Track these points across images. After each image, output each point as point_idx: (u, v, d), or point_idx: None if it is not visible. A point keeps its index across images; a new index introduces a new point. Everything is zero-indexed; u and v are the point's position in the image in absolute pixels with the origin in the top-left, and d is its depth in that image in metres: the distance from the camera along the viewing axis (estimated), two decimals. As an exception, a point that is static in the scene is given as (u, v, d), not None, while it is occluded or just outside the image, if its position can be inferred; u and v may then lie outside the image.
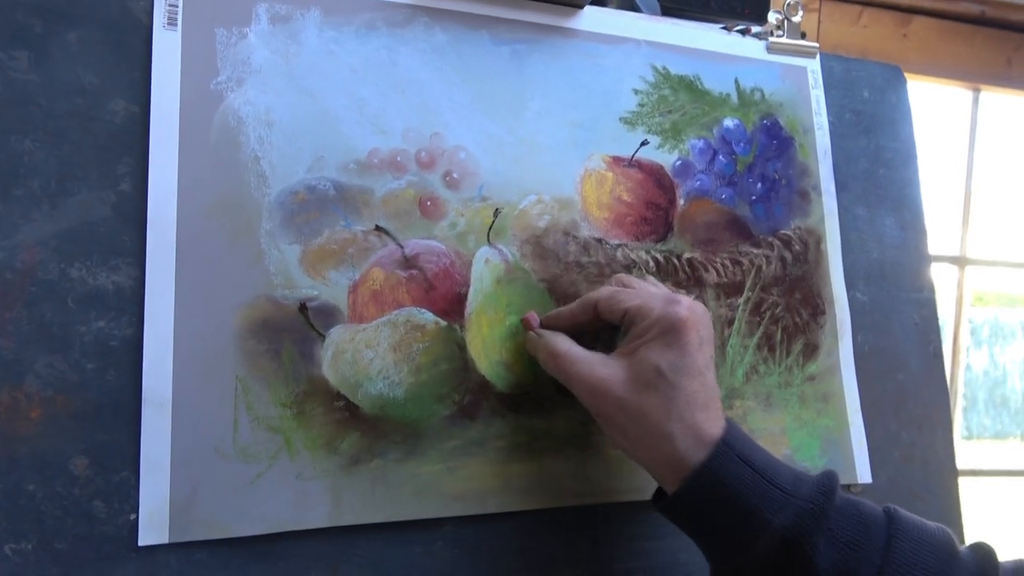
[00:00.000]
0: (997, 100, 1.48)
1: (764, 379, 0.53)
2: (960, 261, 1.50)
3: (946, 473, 0.59)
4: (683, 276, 0.51)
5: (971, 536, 0.47)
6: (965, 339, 1.54)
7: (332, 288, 0.43)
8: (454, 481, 0.44)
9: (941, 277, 1.47)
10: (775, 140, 0.57)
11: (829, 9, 1.29)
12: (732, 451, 0.38)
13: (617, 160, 0.51)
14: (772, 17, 0.58)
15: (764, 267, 0.54)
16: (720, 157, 0.55)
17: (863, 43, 1.30)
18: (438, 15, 0.48)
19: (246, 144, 0.43)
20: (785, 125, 0.57)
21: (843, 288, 0.57)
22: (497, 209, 0.47)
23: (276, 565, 0.40)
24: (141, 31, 0.42)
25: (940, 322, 0.62)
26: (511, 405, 0.46)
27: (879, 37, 1.31)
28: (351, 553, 0.42)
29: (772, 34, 0.58)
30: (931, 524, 0.39)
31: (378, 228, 0.45)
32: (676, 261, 0.52)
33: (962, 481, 0.60)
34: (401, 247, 0.45)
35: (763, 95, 0.57)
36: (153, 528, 0.38)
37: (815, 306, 0.56)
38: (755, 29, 0.58)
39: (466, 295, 0.46)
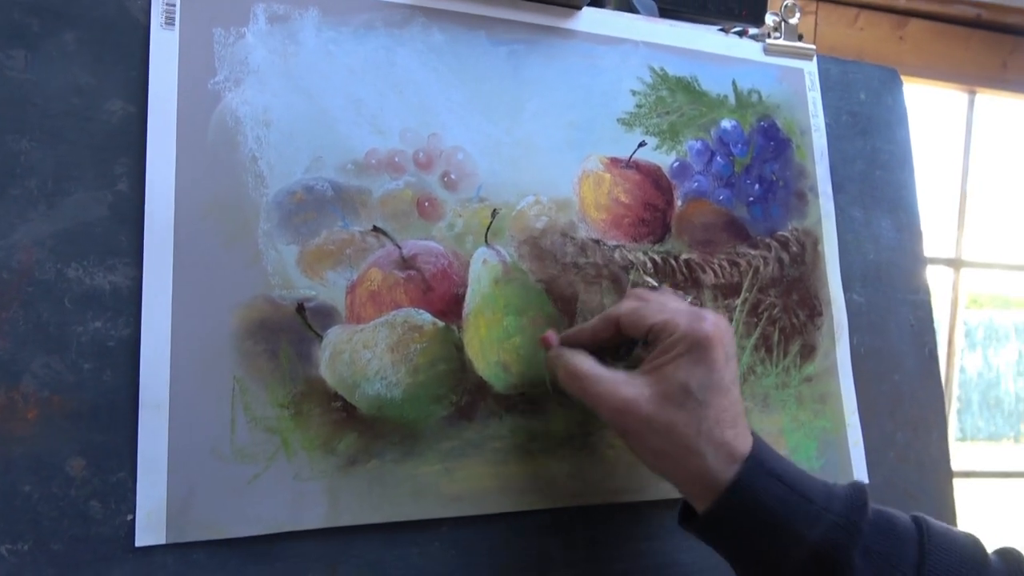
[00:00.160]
0: (993, 103, 1.49)
1: (761, 380, 0.53)
2: (955, 263, 1.51)
3: (941, 474, 0.59)
4: (680, 277, 0.51)
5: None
6: (960, 341, 1.54)
7: (330, 289, 0.43)
8: (451, 482, 0.44)
9: (936, 279, 1.47)
10: (772, 141, 0.57)
11: (826, 11, 1.30)
12: (763, 467, 0.38)
13: (615, 161, 0.51)
14: (769, 19, 0.59)
15: (761, 268, 0.54)
16: (718, 158, 0.55)
17: (859, 45, 1.30)
18: (436, 15, 0.48)
19: (244, 144, 0.43)
20: (782, 127, 0.57)
21: (840, 289, 0.57)
22: (495, 210, 0.47)
23: (273, 566, 0.40)
24: (138, 31, 0.42)
25: (935, 324, 0.62)
26: (508, 406, 0.46)
27: (875, 39, 1.32)
28: (349, 554, 0.42)
29: (769, 36, 0.58)
30: (960, 532, 0.39)
31: (376, 229, 0.45)
32: (674, 262, 0.52)
33: (956, 482, 0.60)
34: (399, 248, 0.45)
35: (760, 97, 0.57)
36: (150, 529, 0.38)
37: (812, 307, 0.56)
38: (752, 31, 0.58)
39: (464, 296, 0.46)
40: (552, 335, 0.45)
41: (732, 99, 0.56)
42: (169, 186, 0.41)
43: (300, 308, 0.42)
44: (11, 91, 0.39)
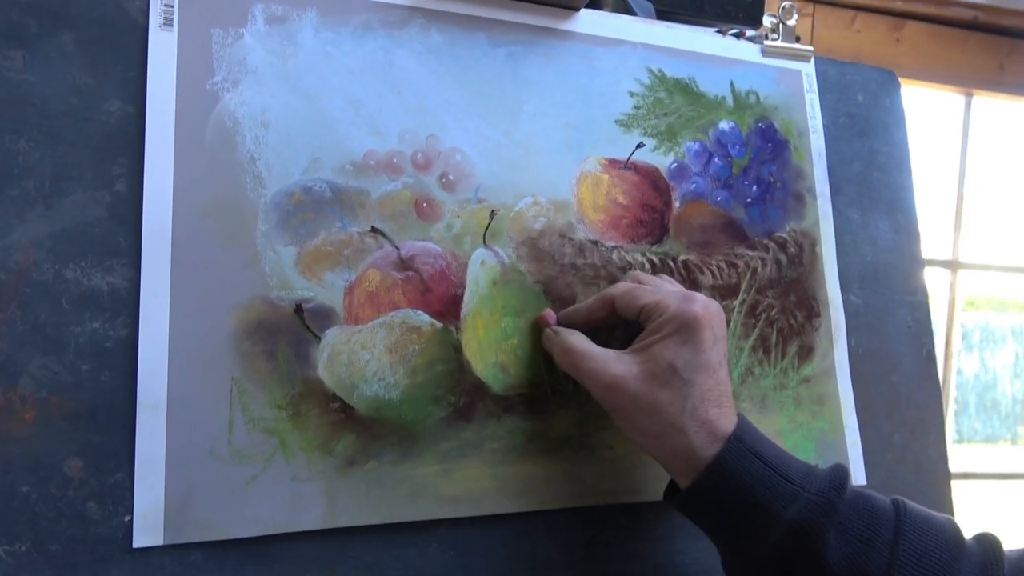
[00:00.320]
0: (989, 105, 1.49)
1: (759, 381, 0.53)
2: (952, 265, 1.51)
3: (939, 475, 0.59)
4: (679, 278, 0.51)
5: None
6: (957, 343, 1.54)
7: (328, 289, 0.43)
8: (449, 483, 0.44)
9: (933, 281, 1.47)
10: (770, 143, 0.57)
11: (823, 13, 1.30)
12: (743, 445, 0.39)
13: (613, 162, 0.51)
14: (767, 21, 0.59)
15: (759, 269, 0.54)
16: (715, 160, 0.55)
17: (856, 47, 1.31)
18: (434, 16, 0.48)
19: (242, 145, 0.43)
20: (780, 128, 0.57)
21: (838, 291, 0.57)
22: (493, 211, 0.47)
23: (271, 567, 0.40)
24: (137, 31, 0.42)
25: (933, 325, 0.62)
26: (506, 407, 0.46)
27: (872, 41, 1.32)
28: (346, 555, 0.42)
29: (767, 38, 0.58)
30: (938, 516, 0.39)
31: (374, 230, 0.45)
32: (672, 263, 0.52)
33: (954, 484, 0.61)
34: (397, 249, 0.45)
35: (758, 98, 0.57)
36: (148, 530, 0.38)
37: (810, 308, 0.56)
38: (750, 33, 0.58)
39: (462, 297, 0.46)
40: (550, 314, 0.46)
41: (730, 100, 0.56)
42: (167, 187, 0.41)
43: (298, 309, 0.42)
44: (9, 91, 0.39)
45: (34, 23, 0.40)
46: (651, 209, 0.52)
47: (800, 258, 0.56)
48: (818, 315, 0.56)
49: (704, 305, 0.41)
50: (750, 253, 0.54)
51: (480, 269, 0.47)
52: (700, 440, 0.39)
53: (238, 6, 0.44)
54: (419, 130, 0.47)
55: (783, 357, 0.54)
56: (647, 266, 0.51)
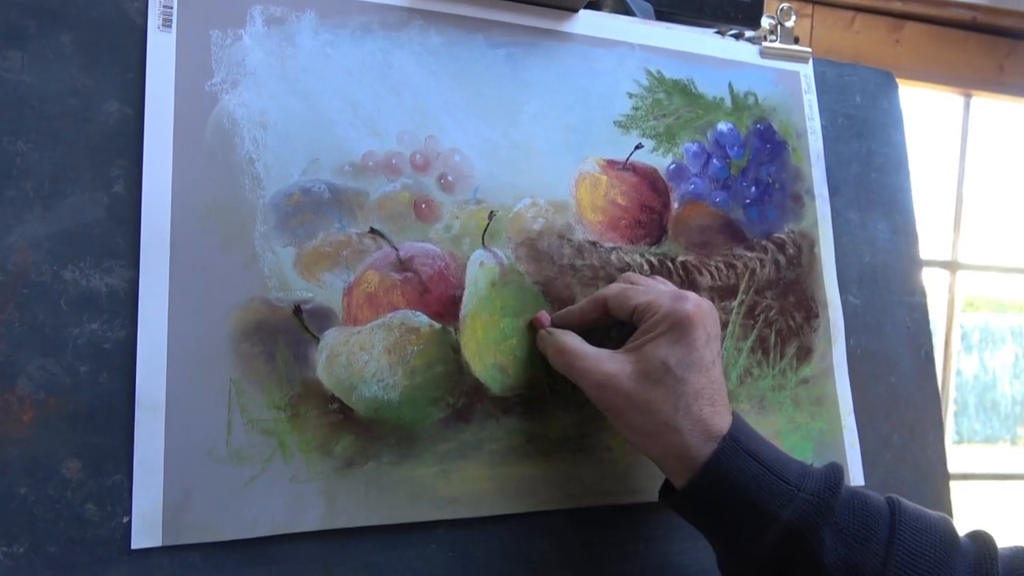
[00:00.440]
0: (989, 106, 1.49)
1: (758, 382, 0.53)
2: (952, 266, 1.51)
3: (937, 476, 0.59)
4: (677, 279, 0.51)
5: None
6: (956, 344, 1.54)
7: (326, 290, 0.43)
8: (448, 484, 0.44)
9: (933, 282, 1.48)
10: (768, 144, 0.57)
11: (822, 14, 1.30)
12: (739, 445, 0.39)
13: (611, 163, 0.51)
14: (765, 22, 0.59)
15: (758, 270, 0.54)
16: (714, 161, 0.55)
17: (855, 48, 1.31)
18: (433, 18, 0.48)
19: (240, 146, 0.43)
20: (778, 129, 0.57)
21: (836, 291, 0.57)
22: (492, 212, 0.47)
23: (270, 568, 0.40)
24: (135, 32, 0.42)
25: (931, 326, 0.62)
26: (505, 408, 0.46)
27: (872, 42, 1.32)
28: (345, 556, 0.42)
29: (765, 39, 0.58)
30: (932, 514, 0.39)
31: (373, 231, 0.45)
32: (670, 264, 0.52)
33: (953, 485, 0.61)
34: (396, 250, 0.45)
35: (756, 99, 0.57)
36: (146, 531, 0.38)
37: (808, 309, 0.56)
38: (748, 34, 0.58)
39: (461, 298, 0.46)
40: (545, 315, 0.46)
41: (728, 102, 0.56)
42: (166, 188, 0.41)
43: (297, 310, 0.42)
44: (8, 93, 0.39)
45: (33, 24, 0.40)
46: (650, 210, 0.52)
47: (798, 259, 0.56)
48: (816, 316, 0.56)
49: (696, 304, 0.41)
50: (748, 254, 0.54)
51: (479, 270, 0.47)
52: (694, 439, 0.39)
53: (237, 7, 0.44)
54: (418, 131, 0.47)
55: (782, 358, 0.54)
56: (645, 267, 0.51)
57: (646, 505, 0.48)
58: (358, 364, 0.43)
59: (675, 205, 0.53)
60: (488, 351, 0.46)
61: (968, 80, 1.40)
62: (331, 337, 0.43)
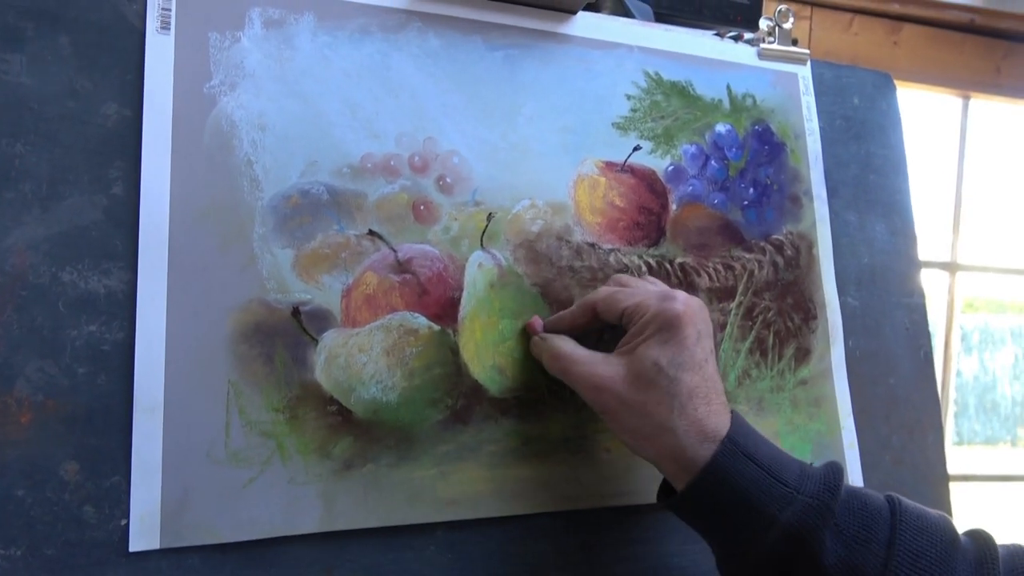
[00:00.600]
0: (987, 107, 1.49)
1: (756, 383, 0.53)
2: (951, 267, 1.51)
3: (937, 477, 0.59)
4: (675, 281, 0.51)
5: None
6: (956, 345, 1.54)
7: (325, 292, 0.43)
8: (447, 486, 0.44)
9: (932, 283, 1.48)
10: (767, 146, 0.57)
11: (820, 16, 1.30)
12: (737, 448, 0.38)
13: (610, 165, 0.51)
14: (763, 24, 0.59)
15: (756, 272, 0.54)
16: (712, 162, 0.55)
17: (854, 50, 1.31)
18: (432, 20, 0.48)
19: (239, 148, 0.43)
20: (776, 131, 0.57)
21: (835, 293, 0.57)
22: (490, 214, 0.47)
23: (268, 571, 0.40)
24: (134, 35, 0.42)
25: (931, 328, 0.62)
26: (504, 409, 0.46)
27: (870, 44, 1.32)
28: (344, 558, 0.42)
29: (764, 40, 0.58)
30: (932, 512, 0.39)
31: (371, 232, 0.45)
32: (669, 266, 0.52)
33: (953, 486, 0.61)
34: (394, 251, 0.45)
35: (755, 101, 0.57)
36: (144, 533, 0.38)
37: (807, 311, 0.56)
38: (747, 35, 0.58)
39: (459, 299, 0.46)
40: (538, 320, 0.47)
41: (726, 103, 0.56)
42: (164, 190, 0.41)
43: (295, 312, 0.42)
44: (6, 95, 0.39)
45: (31, 26, 0.40)
46: (648, 212, 0.52)
47: (797, 260, 0.56)
48: (815, 317, 0.56)
49: (684, 302, 0.41)
50: (747, 255, 0.54)
51: (477, 272, 0.47)
52: (690, 440, 0.39)
53: (235, 10, 0.44)
54: (416, 133, 0.47)
55: (780, 359, 0.54)
56: (644, 268, 0.51)
57: (644, 507, 0.48)
58: (357, 366, 0.43)
59: (673, 207, 0.53)
60: (487, 353, 0.46)
61: (966, 82, 1.40)
62: (330, 339, 0.43)
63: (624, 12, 0.58)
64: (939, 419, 0.61)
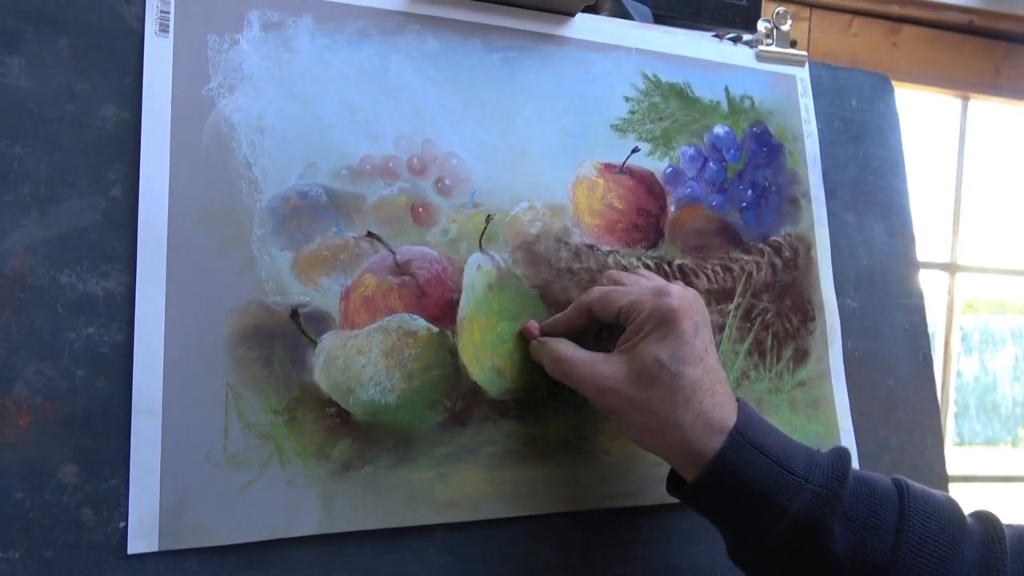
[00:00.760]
0: (986, 108, 1.49)
1: (755, 385, 0.53)
2: (951, 268, 1.51)
3: (936, 479, 0.59)
4: (674, 282, 0.51)
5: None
6: (956, 345, 1.54)
7: (324, 294, 0.43)
8: (446, 487, 0.44)
9: (932, 284, 1.47)
10: (765, 147, 0.57)
11: (819, 18, 1.30)
12: (745, 439, 0.39)
13: (608, 167, 0.52)
14: (762, 25, 0.59)
15: (754, 273, 0.54)
16: (710, 164, 0.55)
17: (853, 51, 1.31)
18: (430, 22, 0.48)
19: (238, 150, 0.43)
20: (775, 132, 0.57)
21: (833, 294, 0.57)
22: (489, 215, 0.47)
23: (267, 573, 0.40)
24: (133, 37, 0.42)
25: (931, 329, 0.62)
26: (503, 411, 0.46)
27: (869, 45, 1.32)
28: (342, 560, 0.42)
29: (762, 42, 0.58)
30: (939, 495, 0.40)
31: (370, 234, 0.45)
32: (667, 267, 0.52)
33: (954, 487, 0.60)
34: (393, 253, 0.45)
35: (753, 103, 0.57)
36: (143, 536, 0.38)
37: (805, 312, 0.56)
38: (745, 37, 0.58)
39: (458, 301, 0.46)
40: (534, 325, 0.47)
41: (725, 105, 0.56)
42: (163, 192, 0.41)
43: (294, 314, 0.42)
44: (5, 97, 0.39)
45: (30, 29, 0.40)
46: (646, 213, 0.52)
47: (795, 262, 0.56)
48: (813, 319, 0.56)
49: (679, 296, 0.41)
50: (745, 257, 0.54)
51: (476, 273, 0.47)
52: (697, 433, 0.39)
53: (234, 12, 0.44)
54: (415, 135, 0.47)
55: (778, 361, 0.54)
56: (642, 270, 0.51)
57: (645, 508, 0.48)
58: (355, 368, 0.43)
59: (672, 208, 0.53)
60: (485, 354, 0.46)
61: (965, 83, 1.40)
62: (328, 341, 0.43)
63: (622, 14, 0.58)
64: (938, 421, 0.61)
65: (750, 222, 0.55)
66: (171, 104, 0.42)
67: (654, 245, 0.52)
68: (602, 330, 0.47)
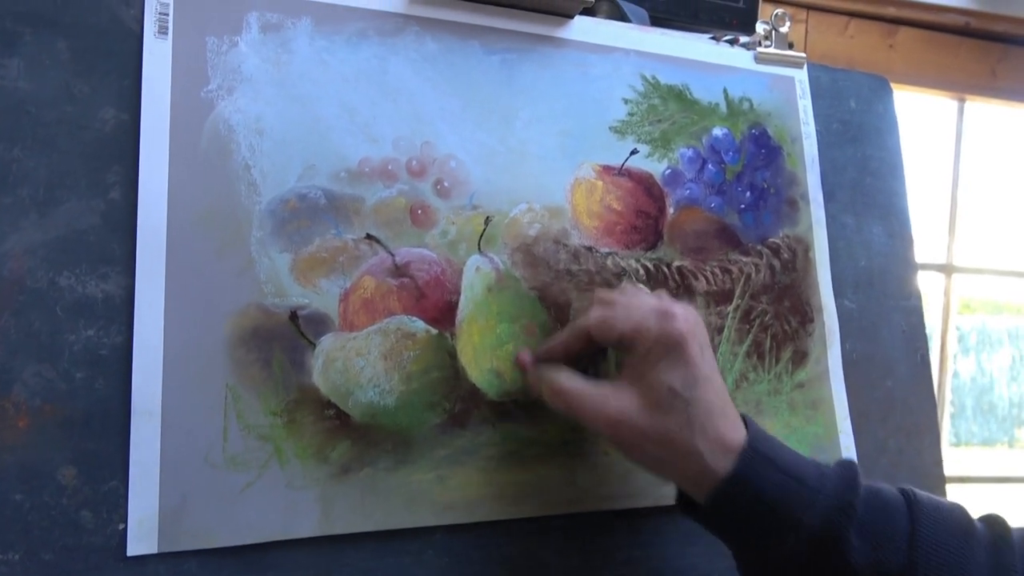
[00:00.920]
0: (982, 110, 1.50)
1: (754, 386, 0.53)
2: (947, 269, 1.52)
3: (934, 480, 0.59)
4: (673, 284, 0.52)
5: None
6: (953, 346, 1.55)
7: (323, 296, 0.43)
8: (444, 489, 0.44)
9: (928, 285, 1.48)
10: (763, 149, 0.57)
11: (816, 20, 1.30)
12: (758, 455, 0.38)
13: (607, 169, 0.52)
14: (760, 27, 0.59)
15: (753, 275, 0.54)
16: (709, 166, 0.55)
17: (850, 53, 1.31)
18: (429, 24, 0.48)
19: (236, 152, 0.43)
20: (773, 134, 0.58)
21: (831, 296, 0.57)
22: (488, 217, 0.48)
23: (266, 574, 0.40)
24: (131, 39, 0.42)
25: (928, 330, 0.62)
26: (502, 413, 0.46)
27: (866, 47, 1.33)
28: (341, 562, 0.42)
29: (760, 44, 0.59)
30: (946, 502, 0.40)
31: (369, 236, 0.45)
32: (666, 269, 0.52)
33: (951, 487, 0.61)
34: (392, 255, 0.45)
35: (751, 104, 0.57)
36: (142, 538, 0.38)
37: (804, 314, 0.56)
38: (743, 39, 0.59)
39: (457, 303, 0.46)
40: (526, 354, 0.45)
41: (723, 107, 0.56)
42: (162, 194, 0.41)
43: (293, 316, 0.42)
44: (4, 99, 0.39)
45: (28, 31, 0.40)
46: (645, 215, 0.52)
47: (793, 264, 0.56)
48: (812, 320, 0.56)
49: (684, 319, 0.40)
50: (744, 259, 0.54)
51: (475, 275, 0.47)
52: (714, 458, 0.38)
53: (233, 14, 0.44)
54: (414, 137, 0.47)
55: (777, 362, 0.54)
56: (641, 272, 0.51)
57: (644, 510, 0.49)
58: (354, 370, 0.43)
59: (670, 210, 0.53)
60: (484, 356, 0.46)
61: (962, 84, 1.41)
62: (327, 343, 0.43)
63: (620, 16, 0.58)
64: (936, 422, 0.61)
65: (749, 224, 0.55)
66: (170, 106, 0.42)
67: (653, 247, 0.52)
68: (598, 354, 0.46)
